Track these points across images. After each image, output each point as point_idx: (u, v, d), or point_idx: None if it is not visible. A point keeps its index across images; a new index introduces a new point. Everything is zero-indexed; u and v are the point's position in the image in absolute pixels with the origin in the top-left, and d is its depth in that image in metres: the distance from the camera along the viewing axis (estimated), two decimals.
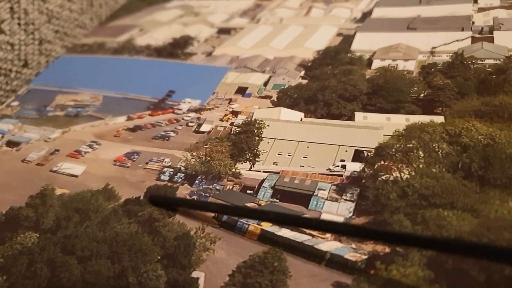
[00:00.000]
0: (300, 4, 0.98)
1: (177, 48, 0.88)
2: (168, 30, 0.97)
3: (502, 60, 0.66)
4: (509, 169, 0.51)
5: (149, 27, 1.00)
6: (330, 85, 0.69)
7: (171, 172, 0.61)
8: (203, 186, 0.58)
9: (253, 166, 0.60)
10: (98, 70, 0.88)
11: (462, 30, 0.76)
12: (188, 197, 0.57)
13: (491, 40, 0.71)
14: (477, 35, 0.73)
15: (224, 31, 0.92)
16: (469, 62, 0.68)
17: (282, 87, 0.72)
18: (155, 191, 0.60)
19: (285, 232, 0.51)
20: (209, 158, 0.61)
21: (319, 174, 0.57)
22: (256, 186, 0.57)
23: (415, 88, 0.66)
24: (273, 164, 0.60)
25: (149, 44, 0.93)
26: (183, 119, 0.71)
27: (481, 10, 0.80)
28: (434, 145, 0.56)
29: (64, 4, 0.99)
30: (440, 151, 0.56)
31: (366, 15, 0.88)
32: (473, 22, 0.77)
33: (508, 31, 0.72)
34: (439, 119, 0.60)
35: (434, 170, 0.54)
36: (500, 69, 0.64)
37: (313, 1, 0.98)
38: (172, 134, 0.68)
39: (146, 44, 0.93)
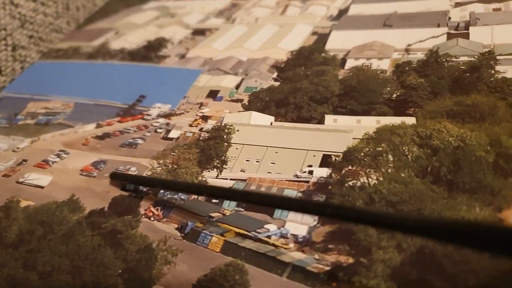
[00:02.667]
0: (277, 2, 0.96)
1: (151, 51, 0.87)
2: (143, 32, 0.95)
3: (476, 57, 0.64)
4: (477, 172, 0.50)
5: (124, 30, 0.98)
6: (302, 87, 0.68)
7: None
8: (168, 196, 0.57)
9: (220, 174, 0.58)
10: (71, 76, 0.87)
11: (438, 26, 0.74)
12: (152, 208, 0.56)
13: (466, 36, 0.69)
14: (452, 31, 0.71)
15: (199, 32, 0.90)
16: (444, 60, 0.66)
17: (254, 90, 0.71)
18: (119, 202, 0.58)
19: (248, 243, 0.50)
20: (175, 166, 0.60)
21: (286, 180, 0.55)
22: None
23: (388, 88, 0.64)
24: (241, 171, 0.58)
25: (123, 47, 0.91)
26: (152, 125, 0.69)
27: (458, 4, 0.78)
28: (404, 148, 0.55)
29: (37, 8, 0.97)
30: (410, 154, 0.54)
31: (342, 12, 0.86)
32: (450, 18, 0.75)
33: (484, 26, 0.70)
34: (411, 120, 0.58)
35: (403, 174, 0.52)
36: (474, 67, 0.62)
37: None
38: (139, 141, 0.67)
39: (120, 48, 0.91)
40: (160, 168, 0.61)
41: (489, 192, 0.48)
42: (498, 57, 0.62)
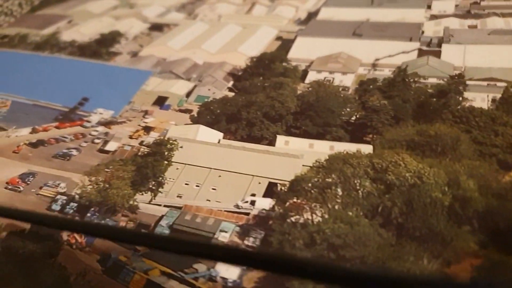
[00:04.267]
0: None
1: (103, 46, 0.81)
2: (98, 23, 0.88)
3: (445, 80, 0.59)
4: (431, 217, 0.46)
5: (78, 19, 0.92)
6: (257, 100, 0.63)
7: (64, 201, 0.54)
8: (95, 221, 0.51)
9: (154, 198, 0.53)
10: (13, 69, 0.80)
11: (410, 40, 0.69)
12: (76, 234, 0.50)
13: (438, 54, 0.65)
14: (424, 48, 0.67)
15: (157, 28, 0.84)
16: (411, 80, 0.61)
17: (206, 100, 0.65)
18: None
19: (173, 284, 0.44)
20: (107, 186, 0.54)
21: (225, 211, 0.50)
22: (152, 224, 0.50)
23: (348, 109, 0.59)
24: (177, 196, 0.53)
25: (74, 40, 0.85)
26: (90, 134, 0.64)
27: (433, 17, 0.73)
28: (355, 182, 0.51)
29: None
30: (361, 189, 0.50)
31: (312, 15, 0.80)
32: (423, 32, 0.70)
33: (457, 44, 0.65)
34: (367, 148, 0.54)
35: (351, 213, 0.48)
36: (441, 91, 0.58)
37: None
38: (74, 152, 0.61)
39: (71, 40, 0.85)
40: (91, 187, 0.55)
41: (440, 242, 0.44)
42: (468, 82, 0.57)
